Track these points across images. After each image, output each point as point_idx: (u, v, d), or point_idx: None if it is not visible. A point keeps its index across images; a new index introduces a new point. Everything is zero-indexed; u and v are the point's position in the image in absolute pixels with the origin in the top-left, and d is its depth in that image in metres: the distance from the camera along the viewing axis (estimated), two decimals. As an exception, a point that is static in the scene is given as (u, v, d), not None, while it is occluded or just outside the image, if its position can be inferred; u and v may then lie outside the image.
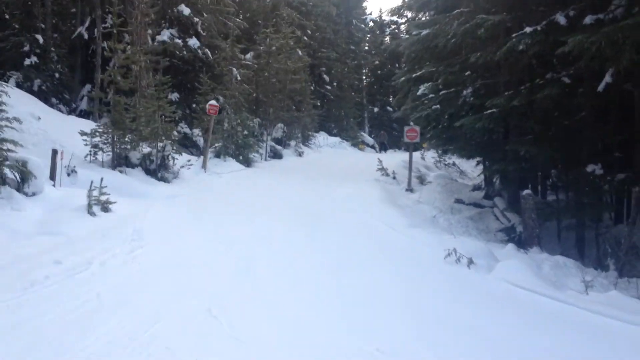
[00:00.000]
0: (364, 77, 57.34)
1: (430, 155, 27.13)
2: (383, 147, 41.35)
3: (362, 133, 45.70)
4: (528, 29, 10.84)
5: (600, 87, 10.30)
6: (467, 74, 13.45)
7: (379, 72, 55.18)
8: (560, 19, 10.69)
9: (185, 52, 24.22)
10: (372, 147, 43.39)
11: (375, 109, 53.64)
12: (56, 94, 23.63)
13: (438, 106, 13.65)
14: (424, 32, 13.70)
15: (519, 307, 6.66)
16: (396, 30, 56.32)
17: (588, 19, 10.20)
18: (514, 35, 10.92)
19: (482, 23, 11.22)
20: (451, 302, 6.58)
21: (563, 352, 5.18)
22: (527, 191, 11.35)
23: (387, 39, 56.79)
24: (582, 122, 11.83)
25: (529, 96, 11.05)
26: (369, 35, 57.62)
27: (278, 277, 6.79)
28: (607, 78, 10.28)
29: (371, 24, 58.87)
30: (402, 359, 4.57)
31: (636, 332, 5.88)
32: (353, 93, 49.50)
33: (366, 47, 56.22)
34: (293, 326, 5.14)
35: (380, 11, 75.13)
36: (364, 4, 58.03)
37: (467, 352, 4.91)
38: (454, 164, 26.44)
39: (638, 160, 10.89)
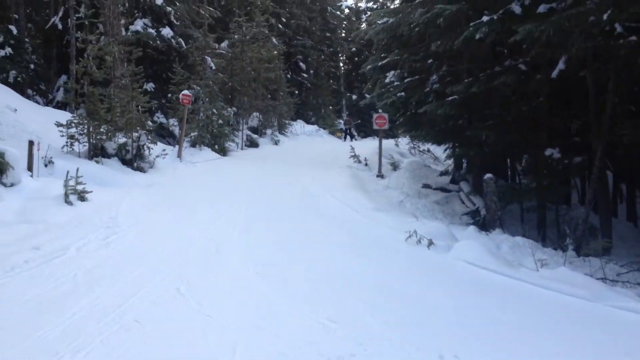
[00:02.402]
0: (341, 65, 57.61)
1: (405, 142, 27.67)
2: (349, 135, 36.55)
3: (340, 121, 46.04)
4: (485, 18, 11.26)
5: (554, 74, 10.77)
6: (429, 61, 13.90)
7: (355, 59, 55.36)
8: (516, 8, 11.11)
9: (159, 42, 24.41)
10: (350, 134, 43.24)
11: (354, 97, 53.94)
12: (32, 85, 23.73)
13: (403, 93, 14.12)
14: (389, 20, 14.13)
15: (471, 283, 7.18)
16: (371, 18, 56.46)
17: (542, 8, 10.58)
18: (471, 24, 11.35)
19: (441, 12, 11.64)
20: (406, 279, 7.06)
21: (503, 317, 5.71)
22: (488, 175, 11.87)
23: (364, 25, 56.94)
24: (539, 107, 12.36)
25: (488, 83, 11.52)
26: (345, 23, 57.78)
27: (244, 259, 7.23)
28: (560, 65, 10.77)
29: (347, 10, 59.13)
30: (350, 327, 5.02)
31: (571, 301, 6.45)
32: (330, 81, 49.88)
33: (343, 34, 56.38)
34: (256, 302, 5.57)
35: (356, -2, 75.18)
36: (340, -10, 58.15)
37: (413, 320, 5.39)
38: (428, 150, 26.98)
39: (593, 144, 11.43)
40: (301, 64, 45.35)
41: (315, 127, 39.48)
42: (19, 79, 22.15)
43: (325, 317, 5.23)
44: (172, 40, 25.09)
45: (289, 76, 41.41)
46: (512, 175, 16.31)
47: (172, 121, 22.98)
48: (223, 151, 20.59)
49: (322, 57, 48.61)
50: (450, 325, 5.36)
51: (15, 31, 23.31)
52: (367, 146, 23.03)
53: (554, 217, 12.78)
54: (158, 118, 24.18)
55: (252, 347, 4.48)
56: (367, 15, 58.10)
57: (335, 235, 9.28)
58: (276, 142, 27.96)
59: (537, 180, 12.16)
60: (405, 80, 14.27)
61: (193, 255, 7.27)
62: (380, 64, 15.33)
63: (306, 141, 31.33)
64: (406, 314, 5.57)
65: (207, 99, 21.31)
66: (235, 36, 28.37)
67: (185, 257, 7.14)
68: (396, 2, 15.91)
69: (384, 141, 18.59)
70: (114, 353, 4.14)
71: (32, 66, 23.71)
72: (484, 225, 11.76)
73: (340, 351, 4.48)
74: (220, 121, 20.76)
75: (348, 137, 35.83)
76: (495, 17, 11.19)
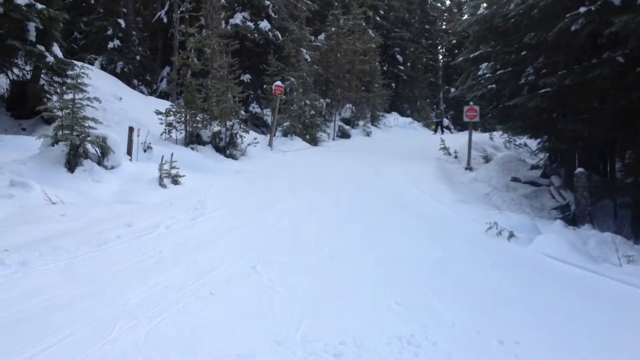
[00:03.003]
0: (440, 57, 56.80)
1: (499, 135, 27.02)
2: (440, 128, 35.03)
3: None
4: (582, 9, 10.90)
5: (654, 67, 10.31)
6: (523, 53, 13.55)
7: (455, 51, 54.22)
8: (615, -1, 10.70)
9: (256, 35, 25.09)
10: (447, 127, 42.39)
11: (452, 89, 53.00)
12: (137, 75, 25.08)
13: (494, 86, 13.86)
14: (482, 12, 13.91)
15: (545, 274, 7.04)
16: (468, 9, 55.17)
17: (644, -2, 10.17)
18: (567, 15, 11.00)
19: (537, 3, 11.36)
20: (480, 268, 7.03)
21: (572, 309, 5.61)
22: (579, 169, 11.48)
23: (465, 17, 55.63)
24: (638, 101, 11.79)
25: (582, 76, 11.12)
26: (446, 14, 56.84)
27: (320, 243, 7.45)
28: (661, 58, 10.29)
29: (448, 2, 58.12)
30: (415, 311, 5.11)
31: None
32: (428, 74, 49.29)
33: (443, 26, 55.46)
34: (326, 283, 5.77)
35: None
36: (442, -18, 57.20)
37: (479, 307, 5.41)
38: (525, 144, 26.22)
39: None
40: (398, 56, 45.13)
41: (409, 119, 39.26)
42: (125, 69, 23.51)
43: (393, 300, 5.34)
44: (269, 33, 25.73)
45: (385, 68, 41.32)
46: (607, 170, 15.61)
47: (266, 111, 23.62)
48: (314, 141, 20.99)
49: (420, 49, 48.14)
50: (516, 313, 5.33)
51: (123, 24, 24.70)
52: (460, 139, 22.72)
53: (651, 214, 12.17)
54: (253, 108, 24.94)
55: (316, 322, 4.67)
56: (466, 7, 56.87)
57: (414, 225, 9.33)
58: (368, 134, 28.10)
59: (632, 176, 11.62)
60: (498, 73, 13.99)
61: (272, 237, 7.58)
62: (472, 55, 15.12)
63: (399, 133, 31.29)
64: (473, 301, 5.59)
65: (300, 90, 21.76)
66: (332, 29, 28.68)
67: (264, 239, 7.46)
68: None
69: (478, 134, 18.34)
70: (186, 320, 4.47)
71: (138, 57, 25.08)
72: (574, 220, 11.40)
73: (402, 332, 4.59)
74: (313, 112, 21.15)
75: (439, 130, 34.48)
76: (593, 9, 10.80)
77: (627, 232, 11.26)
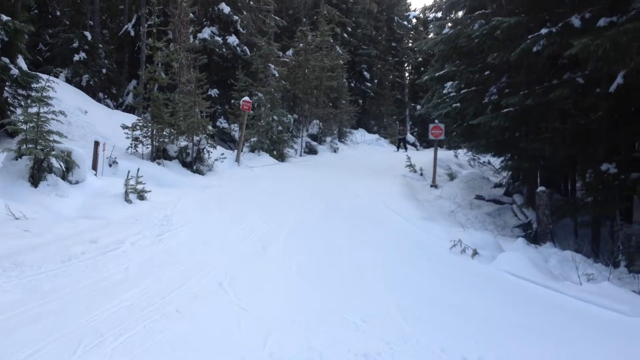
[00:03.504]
0: (406, 74, 57.47)
1: (464, 153, 27.43)
2: (403, 144, 33.81)
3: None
4: (544, 31, 11.21)
5: (612, 88, 10.60)
6: (486, 73, 13.88)
7: (422, 69, 54.85)
8: (575, 21, 11.01)
9: (224, 50, 25.12)
10: (413, 144, 42.61)
11: (418, 107, 53.49)
12: (103, 89, 24.84)
13: (458, 104, 14.15)
14: (447, 32, 14.20)
15: (508, 292, 7.22)
16: (433, 28, 55.98)
17: (602, 21, 10.45)
18: (529, 36, 11.31)
19: (499, 24, 11.65)
20: (444, 285, 7.16)
21: (533, 326, 5.76)
22: (541, 188, 11.76)
23: (431, 35, 56.42)
24: (598, 121, 12.14)
25: (543, 96, 11.43)
26: (412, 32, 57.59)
27: (288, 259, 7.49)
28: (619, 79, 10.59)
29: (414, 20, 58.90)
30: (381, 328, 5.19)
31: (608, 314, 6.43)
32: (394, 91, 49.84)
33: (410, 44, 56.15)
34: (293, 299, 5.82)
35: (424, 8, 74.80)
36: (408, 1, 58.03)
37: (444, 324, 5.51)
38: (488, 162, 26.66)
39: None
40: (365, 73, 45.53)
41: (376, 136, 39.59)
42: (91, 82, 23.28)
43: (359, 317, 5.41)
44: (238, 48, 25.78)
45: (352, 85, 41.65)
46: (569, 189, 15.98)
47: (234, 126, 23.61)
48: (281, 157, 21.04)
49: (387, 66, 48.72)
50: (479, 330, 5.45)
51: (89, 37, 24.48)
52: (425, 156, 22.99)
53: (609, 232, 12.49)
54: (221, 123, 24.89)
55: (283, 339, 4.71)
56: (432, 26, 57.61)
57: (380, 241, 9.43)
58: (335, 150, 28.27)
59: (592, 195, 11.93)
60: (462, 92, 14.29)
61: (239, 253, 7.60)
62: (437, 74, 15.40)
63: (366, 150, 31.51)
64: (437, 318, 5.69)
65: (268, 106, 21.83)
66: (301, 45, 28.87)
67: (232, 255, 7.47)
68: (459, 13, 15.81)
69: (443, 152, 18.60)
70: (152, 338, 4.46)
71: (104, 70, 24.84)
72: (536, 238, 11.65)
73: (368, 349, 4.65)
74: (280, 128, 21.22)
75: (403, 146, 33.53)
76: (554, 30, 11.11)
77: (587, 251, 11.53)
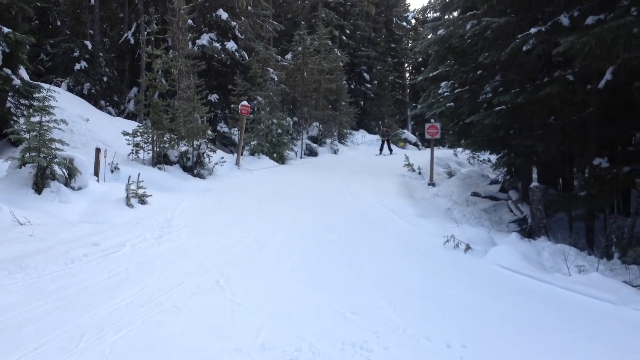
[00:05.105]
0: (407, 75, 57.68)
1: (462, 151, 27.63)
2: (388, 147, 29.78)
3: (404, 130, 45.98)
4: (533, 30, 11.41)
5: (601, 85, 10.81)
6: (479, 72, 14.09)
7: (422, 69, 55.05)
8: (564, 20, 11.21)
9: (223, 55, 25.40)
10: (415, 144, 42.69)
11: (418, 106, 53.43)
12: (105, 96, 25.15)
13: (452, 104, 14.36)
14: (440, 32, 14.43)
15: (497, 284, 7.45)
16: (427, 30, 56.08)
17: (590, 20, 10.62)
18: (519, 36, 11.52)
19: (489, 24, 11.87)
20: (435, 279, 7.39)
21: (519, 315, 5.99)
22: (534, 184, 11.98)
23: (430, 36, 56.40)
24: (589, 117, 12.35)
25: (534, 94, 11.63)
26: (411, 33, 57.77)
27: (283, 258, 7.73)
28: (607, 76, 10.79)
29: (413, 21, 59.10)
30: (369, 319, 5.43)
31: (596, 304, 6.66)
32: (393, 92, 50.06)
33: (409, 45, 56.31)
34: (286, 295, 6.06)
35: (423, 8, 74.97)
36: (407, 1, 58.20)
37: (431, 315, 5.74)
38: (488, 160, 26.86)
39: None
40: (365, 74, 45.76)
41: (376, 136, 39.74)
42: (92, 90, 23.59)
43: (349, 309, 5.65)
44: (236, 54, 26.07)
45: (352, 86, 41.92)
46: (563, 184, 16.17)
47: (234, 130, 23.88)
48: (281, 159, 21.29)
49: (387, 67, 48.98)
50: (465, 320, 5.67)
51: (90, 46, 24.80)
52: (425, 156, 23.18)
53: (603, 225, 12.70)
54: (221, 127, 25.19)
55: (275, 331, 4.95)
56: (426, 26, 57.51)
57: (375, 239, 9.67)
58: (335, 152, 28.51)
59: (585, 190, 12.13)
60: (456, 91, 14.51)
61: (236, 253, 7.85)
62: (432, 74, 15.63)
63: (366, 150, 31.71)
64: (426, 309, 5.93)
65: (267, 109, 22.09)
66: (299, 48, 29.13)
67: (229, 255, 7.72)
68: (454, 14, 16.05)
69: (443, 151, 18.84)
70: (151, 332, 4.71)
71: (105, 79, 25.15)
72: (530, 232, 11.84)
73: (355, 338, 4.89)
74: (279, 130, 21.47)
75: (386, 149, 29.62)
76: (543, 29, 11.31)
77: (582, 244, 11.74)
